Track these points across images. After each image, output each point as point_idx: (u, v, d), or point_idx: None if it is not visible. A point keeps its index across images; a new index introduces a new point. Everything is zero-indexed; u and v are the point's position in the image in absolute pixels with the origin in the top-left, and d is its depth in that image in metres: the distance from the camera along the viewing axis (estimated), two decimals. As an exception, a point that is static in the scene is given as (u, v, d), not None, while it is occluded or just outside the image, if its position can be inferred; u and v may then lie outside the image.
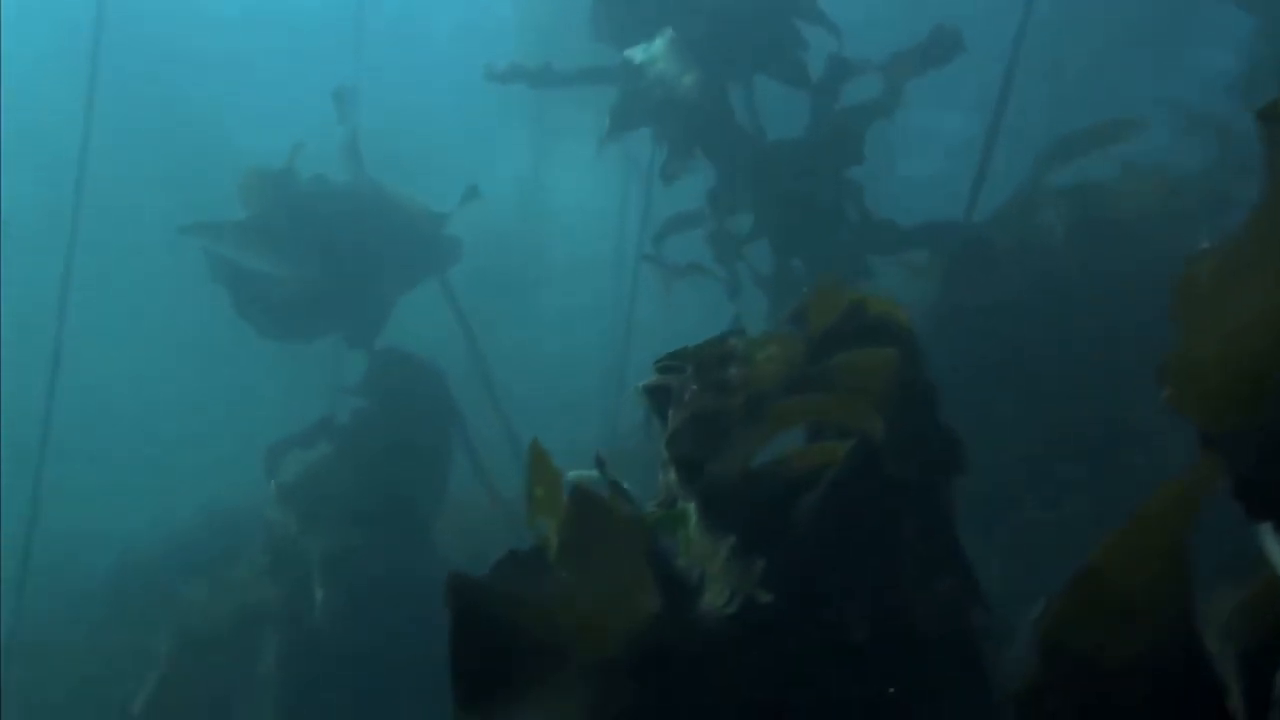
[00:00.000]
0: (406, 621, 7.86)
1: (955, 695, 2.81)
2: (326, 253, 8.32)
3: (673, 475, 3.26)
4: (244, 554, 9.07)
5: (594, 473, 8.09)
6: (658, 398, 3.42)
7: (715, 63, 7.37)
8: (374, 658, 7.97)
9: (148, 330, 21.47)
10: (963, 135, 11.36)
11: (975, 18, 7.69)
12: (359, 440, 8.07)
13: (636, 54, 7.34)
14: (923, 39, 7.37)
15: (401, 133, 13.96)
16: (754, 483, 3.12)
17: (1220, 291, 2.34)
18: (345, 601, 8.10)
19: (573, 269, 18.48)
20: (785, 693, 2.71)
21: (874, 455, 2.94)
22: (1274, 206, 2.30)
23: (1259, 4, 8.54)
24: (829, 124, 7.32)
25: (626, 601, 2.69)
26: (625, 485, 3.26)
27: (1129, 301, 6.11)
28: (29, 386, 9.96)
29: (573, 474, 8.80)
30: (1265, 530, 2.26)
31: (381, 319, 8.47)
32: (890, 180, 11.62)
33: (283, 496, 8.37)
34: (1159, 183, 7.39)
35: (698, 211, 7.78)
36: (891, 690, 2.72)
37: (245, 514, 10.12)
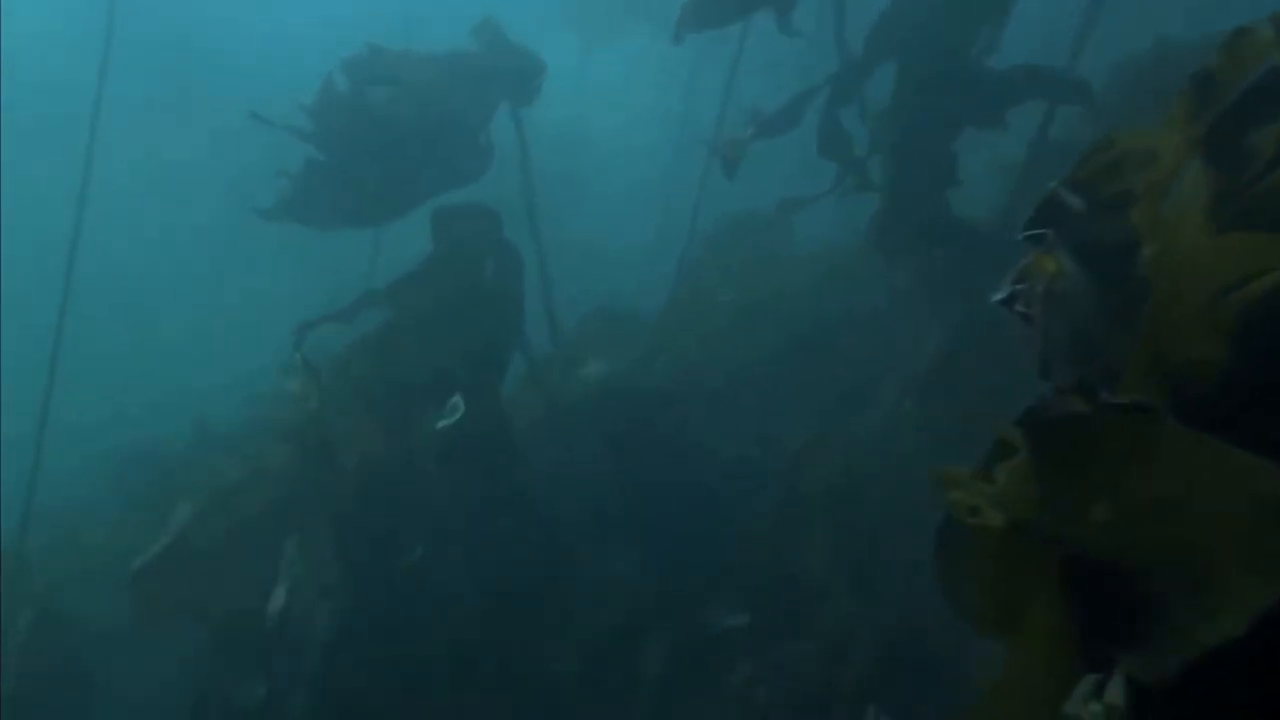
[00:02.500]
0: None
1: None
2: (407, 132, 8.29)
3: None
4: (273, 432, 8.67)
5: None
6: (1017, 301, 2.52)
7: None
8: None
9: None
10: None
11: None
12: (423, 298, 7.56)
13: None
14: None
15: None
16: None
17: None
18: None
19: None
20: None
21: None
22: None
23: None
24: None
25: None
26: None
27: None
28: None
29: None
30: None
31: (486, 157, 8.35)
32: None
33: (308, 370, 7.95)
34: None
35: (799, 98, 7.50)
36: None
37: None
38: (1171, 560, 1.99)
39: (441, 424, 7.59)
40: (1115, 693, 2.08)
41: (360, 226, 9.06)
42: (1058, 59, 7.45)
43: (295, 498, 8.09)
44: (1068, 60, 7.48)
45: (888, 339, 8.30)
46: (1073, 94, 7.24)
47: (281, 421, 8.48)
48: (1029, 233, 2.55)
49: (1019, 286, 2.51)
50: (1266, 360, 2.16)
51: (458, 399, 7.52)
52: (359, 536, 7.71)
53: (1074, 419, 2.09)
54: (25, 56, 19.50)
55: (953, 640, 5.45)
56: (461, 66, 8.38)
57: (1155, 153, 2.48)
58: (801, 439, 7.51)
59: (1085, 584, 2.10)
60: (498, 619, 7.24)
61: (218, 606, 8.03)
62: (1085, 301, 2.41)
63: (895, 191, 7.37)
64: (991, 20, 6.82)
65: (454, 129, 8.26)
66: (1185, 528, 1.98)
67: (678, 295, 10.13)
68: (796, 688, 6.09)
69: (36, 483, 8.81)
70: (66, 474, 10.46)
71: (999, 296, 2.53)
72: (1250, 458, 1.98)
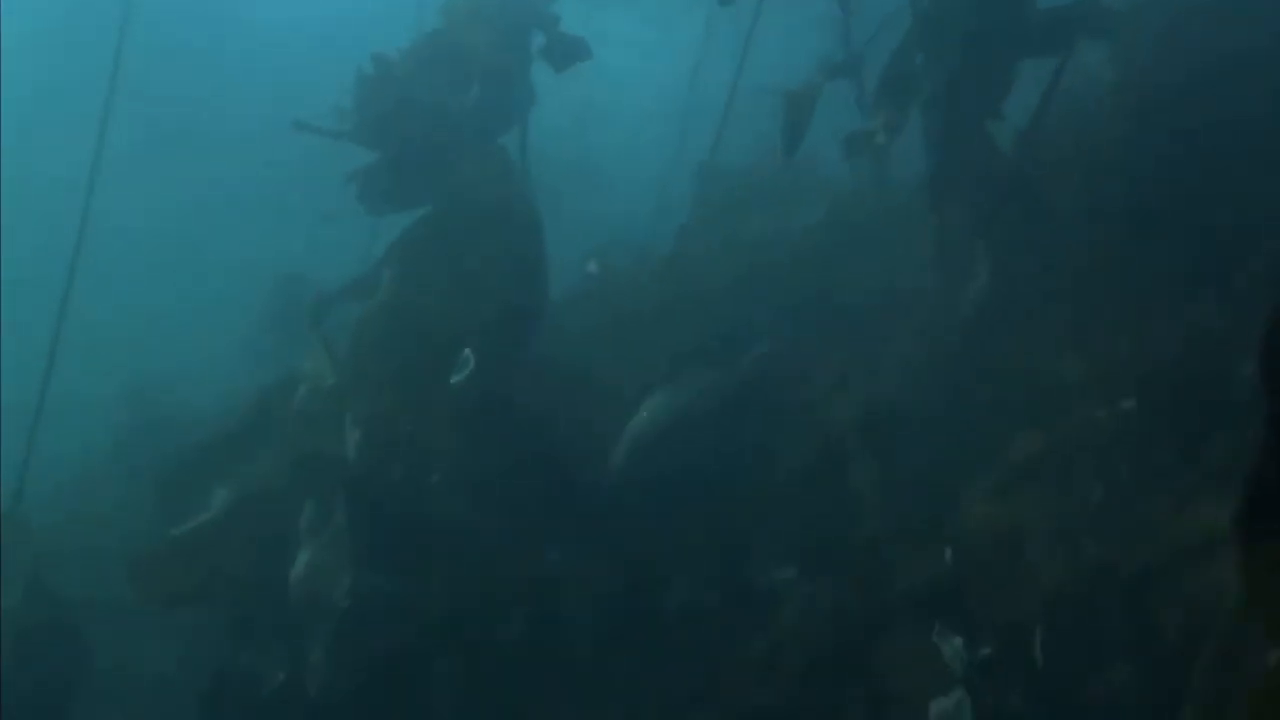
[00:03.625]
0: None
1: None
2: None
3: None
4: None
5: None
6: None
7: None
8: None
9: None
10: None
11: None
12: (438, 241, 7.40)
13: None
14: None
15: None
16: None
17: None
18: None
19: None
20: None
21: None
22: None
23: None
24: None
25: None
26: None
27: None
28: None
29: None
30: None
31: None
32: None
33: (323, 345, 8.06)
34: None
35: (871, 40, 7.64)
36: None
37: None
38: None
39: (456, 379, 7.40)
40: None
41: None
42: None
43: (312, 469, 7.89)
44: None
45: (908, 284, 8.08)
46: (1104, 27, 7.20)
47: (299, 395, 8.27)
48: None
49: None
50: None
51: (468, 353, 7.33)
52: (374, 499, 7.52)
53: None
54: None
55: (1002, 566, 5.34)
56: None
57: None
58: (823, 383, 7.36)
59: None
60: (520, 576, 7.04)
61: (234, 584, 7.88)
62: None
63: (946, 134, 7.27)
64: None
65: (497, 88, 8.19)
66: None
67: (679, 251, 9.95)
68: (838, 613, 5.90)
69: (36, 453, 8.72)
70: (73, 450, 10.28)
71: None
72: None
